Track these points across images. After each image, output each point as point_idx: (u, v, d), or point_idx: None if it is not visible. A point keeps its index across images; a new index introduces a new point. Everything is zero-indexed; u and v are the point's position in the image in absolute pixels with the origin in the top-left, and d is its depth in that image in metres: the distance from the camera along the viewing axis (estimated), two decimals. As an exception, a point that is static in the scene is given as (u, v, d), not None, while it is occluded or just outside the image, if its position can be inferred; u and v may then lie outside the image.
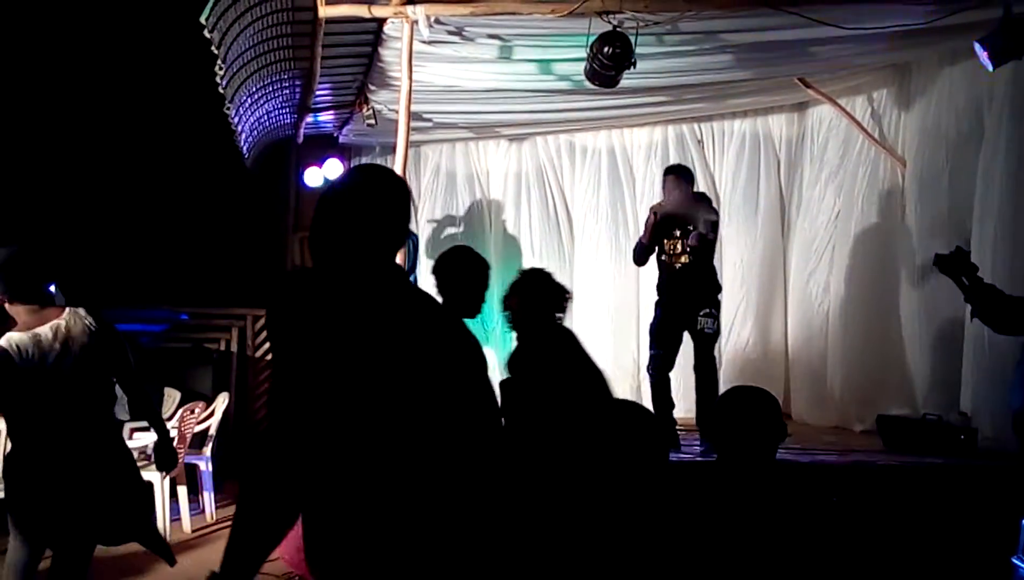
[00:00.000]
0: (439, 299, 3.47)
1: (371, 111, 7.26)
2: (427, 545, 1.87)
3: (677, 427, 5.93)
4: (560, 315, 4.09)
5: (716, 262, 7.79)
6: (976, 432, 5.36)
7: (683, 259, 5.76)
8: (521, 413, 3.74)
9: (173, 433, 5.63)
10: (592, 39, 5.29)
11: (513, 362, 4.00)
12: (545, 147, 8.59)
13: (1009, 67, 5.26)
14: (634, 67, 5.36)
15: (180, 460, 5.86)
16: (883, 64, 6.69)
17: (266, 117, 7.37)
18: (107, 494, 3.44)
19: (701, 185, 7.95)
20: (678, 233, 5.77)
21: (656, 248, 5.86)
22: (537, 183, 8.57)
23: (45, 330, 3.38)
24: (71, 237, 7.98)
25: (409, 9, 5.34)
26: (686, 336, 5.79)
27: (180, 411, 6.02)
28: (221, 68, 5.27)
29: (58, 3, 8.09)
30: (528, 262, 8.46)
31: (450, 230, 8.70)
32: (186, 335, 7.91)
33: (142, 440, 5.62)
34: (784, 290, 7.79)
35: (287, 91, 7.10)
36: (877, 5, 5.27)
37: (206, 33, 4.77)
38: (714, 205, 6.12)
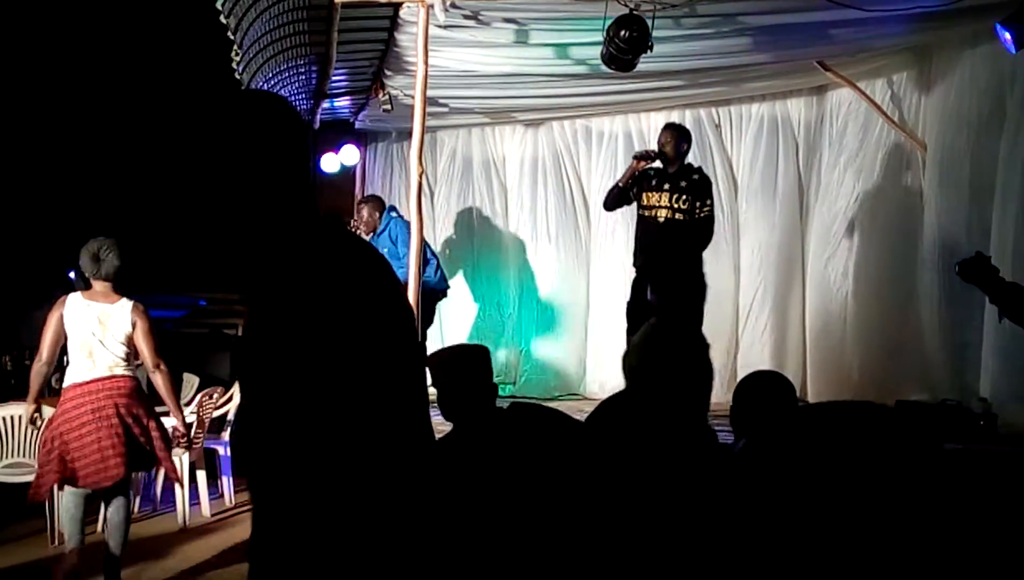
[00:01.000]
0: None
1: (387, 96, 7.26)
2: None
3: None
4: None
5: (733, 244, 7.84)
6: (996, 418, 5.31)
7: (665, 214, 5.72)
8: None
9: (192, 418, 5.71)
10: (609, 22, 5.26)
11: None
12: (561, 132, 8.56)
13: (1031, 49, 5.19)
14: (651, 51, 5.33)
15: (199, 445, 5.92)
16: (903, 47, 6.62)
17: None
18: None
19: (719, 169, 7.93)
20: (667, 186, 5.76)
21: (636, 202, 5.82)
22: (553, 168, 8.55)
23: None
24: (91, 224, 8.02)
25: (425, -7, 5.33)
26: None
27: (199, 396, 6.06)
28: (238, 54, 5.28)
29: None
30: (544, 248, 8.46)
31: (466, 217, 8.70)
32: (205, 320, 7.95)
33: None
34: (802, 275, 7.75)
35: (303, 77, 7.10)
36: (897, -14, 5.22)
37: (222, 19, 4.78)
38: (710, 183, 6.08)
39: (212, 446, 6.23)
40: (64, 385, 4.38)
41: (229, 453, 6.19)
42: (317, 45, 6.39)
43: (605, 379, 7.71)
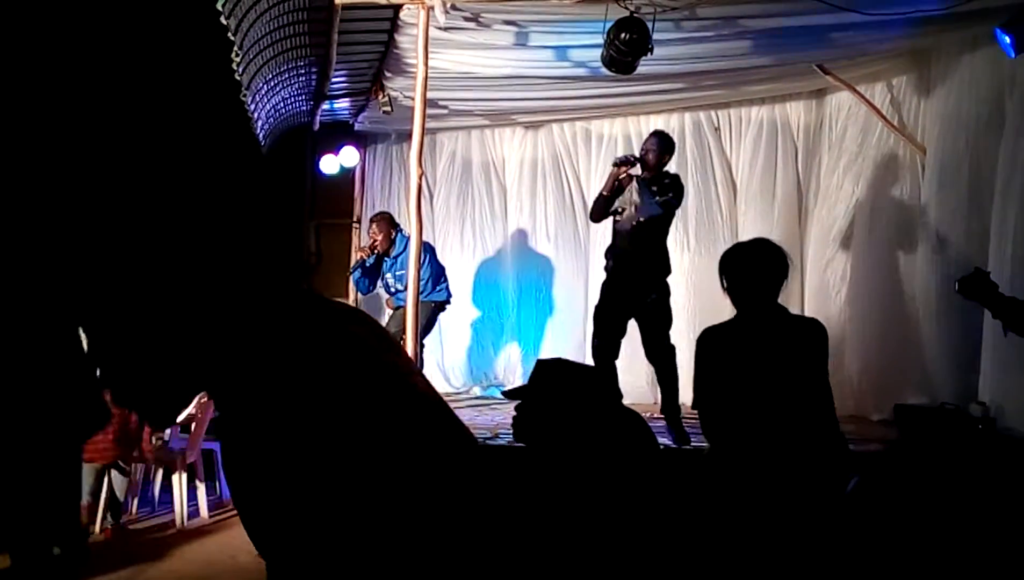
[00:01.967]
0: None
1: (387, 98, 7.26)
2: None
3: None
4: None
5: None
6: (995, 422, 5.32)
7: (640, 219, 5.64)
8: None
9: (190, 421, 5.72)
10: (609, 25, 5.26)
11: None
12: (561, 134, 8.57)
13: (1031, 53, 5.20)
14: (651, 53, 5.33)
15: (197, 446, 5.91)
16: (903, 50, 6.62)
17: (282, 104, 7.37)
18: None
19: (718, 172, 7.94)
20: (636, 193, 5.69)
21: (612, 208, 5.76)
22: (553, 171, 8.55)
23: None
24: (86, 223, 8.02)
25: (425, -5, 5.33)
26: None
27: (195, 397, 6.05)
28: (238, 55, 5.27)
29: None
30: (544, 250, 8.46)
31: (465, 219, 8.70)
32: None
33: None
34: (801, 278, 7.74)
35: (303, 78, 7.10)
36: (897, -10, 5.22)
37: (223, 20, 4.78)
38: (683, 190, 5.90)
39: (210, 447, 6.22)
40: None
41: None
42: (317, 46, 6.39)
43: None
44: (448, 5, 5.37)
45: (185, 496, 5.68)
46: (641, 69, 5.54)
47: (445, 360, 8.46)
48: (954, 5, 5.15)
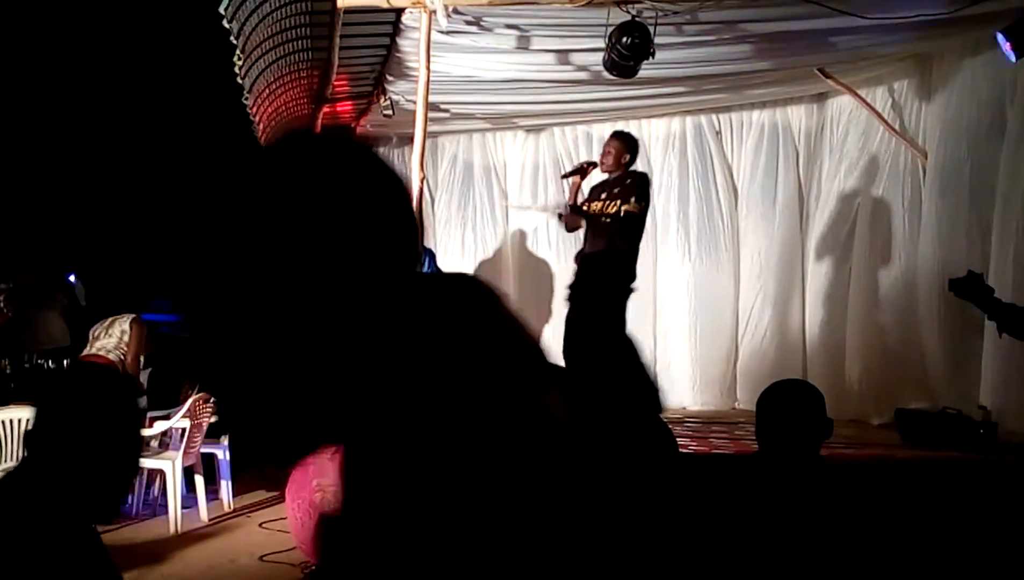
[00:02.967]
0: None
1: (388, 102, 7.26)
2: None
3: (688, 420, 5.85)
4: None
5: (733, 252, 7.85)
6: (996, 426, 5.31)
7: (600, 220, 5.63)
8: None
9: (186, 423, 5.72)
10: (610, 29, 5.27)
11: None
12: (562, 138, 8.57)
13: (1032, 58, 5.20)
14: (653, 57, 5.33)
15: (196, 449, 5.91)
16: (904, 54, 6.63)
17: (284, 108, 7.38)
18: None
19: (719, 176, 7.94)
20: (603, 195, 5.68)
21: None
22: (554, 174, 8.54)
23: None
24: (91, 227, 8.04)
25: (427, -1, 5.33)
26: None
27: (191, 401, 6.00)
28: (240, 58, 5.28)
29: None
30: (545, 254, 8.46)
31: (467, 222, 8.71)
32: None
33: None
34: (802, 282, 7.75)
35: (305, 81, 7.11)
36: (898, -5, 5.23)
37: (225, 23, 4.78)
38: (650, 190, 5.91)
39: (210, 450, 6.22)
40: None
41: (228, 457, 6.20)
42: (319, 50, 6.40)
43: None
44: (450, 9, 5.37)
45: (179, 499, 5.65)
46: (642, 73, 5.54)
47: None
48: (955, 9, 5.15)
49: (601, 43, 5.35)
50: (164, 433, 5.96)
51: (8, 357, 7.06)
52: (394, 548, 1.17)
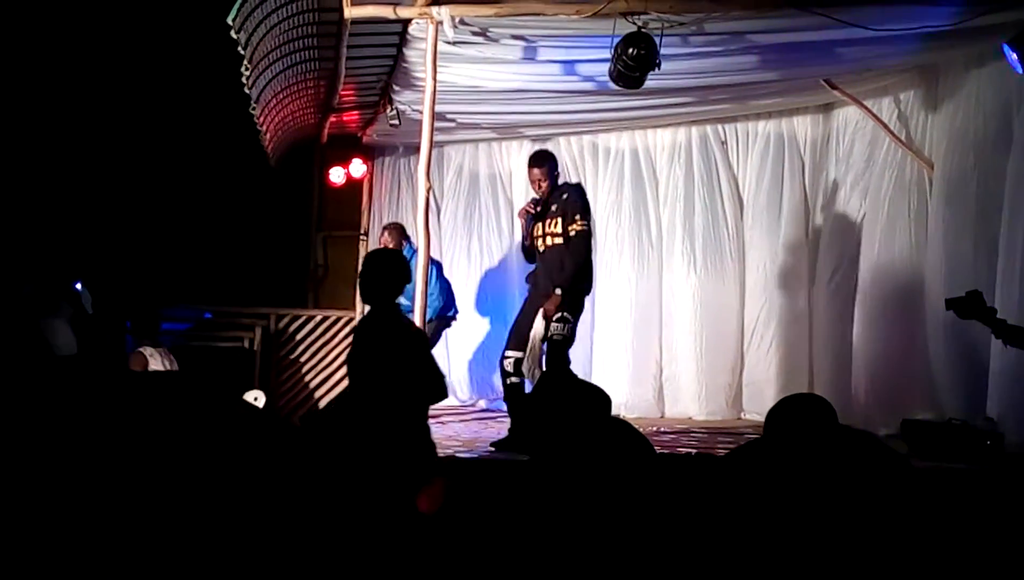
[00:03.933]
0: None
1: (395, 111, 7.29)
2: None
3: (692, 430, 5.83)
4: None
5: (738, 262, 7.84)
6: (1003, 437, 5.29)
7: (542, 243, 5.60)
8: None
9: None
10: (617, 40, 5.29)
11: None
12: (568, 148, 8.57)
13: (1038, 69, 5.21)
14: (659, 68, 5.35)
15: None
16: (910, 66, 6.63)
17: (291, 117, 7.41)
18: None
19: (724, 187, 7.94)
20: (546, 217, 5.58)
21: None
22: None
23: None
24: (98, 236, 8.06)
25: (434, 10, 5.36)
26: None
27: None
28: (247, 68, 5.31)
29: (88, 4, 8.17)
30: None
31: (472, 232, 8.72)
32: (210, 333, 7.95)
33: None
34: (808, 293, 7.74)
35: (312, 91, 7.14)
36: (904, 6, 5.24)
37: (233, 34, 4.82)
38: (587, 201, 5.77)
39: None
40: None
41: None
42: (326, 60, 6.44)
43: (611, 393, 7.66)
44: (457, 20, 5.39)
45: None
46: (649, 84, 5.56)
47: (451, 373, 8.46)
48: (961, 21, 5.16)
49: (607, 53, 5.36)
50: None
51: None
52: None
